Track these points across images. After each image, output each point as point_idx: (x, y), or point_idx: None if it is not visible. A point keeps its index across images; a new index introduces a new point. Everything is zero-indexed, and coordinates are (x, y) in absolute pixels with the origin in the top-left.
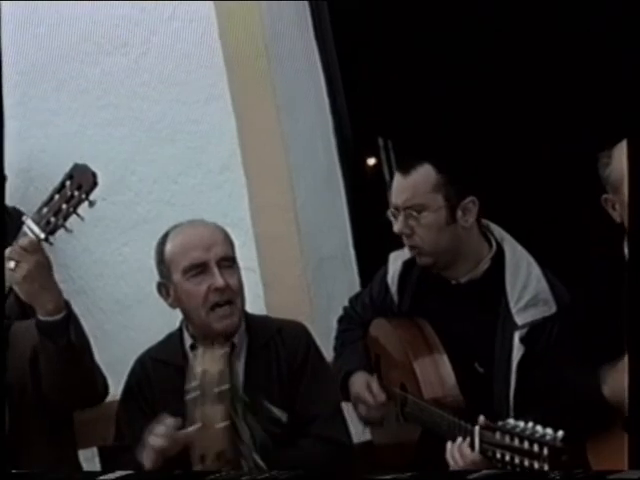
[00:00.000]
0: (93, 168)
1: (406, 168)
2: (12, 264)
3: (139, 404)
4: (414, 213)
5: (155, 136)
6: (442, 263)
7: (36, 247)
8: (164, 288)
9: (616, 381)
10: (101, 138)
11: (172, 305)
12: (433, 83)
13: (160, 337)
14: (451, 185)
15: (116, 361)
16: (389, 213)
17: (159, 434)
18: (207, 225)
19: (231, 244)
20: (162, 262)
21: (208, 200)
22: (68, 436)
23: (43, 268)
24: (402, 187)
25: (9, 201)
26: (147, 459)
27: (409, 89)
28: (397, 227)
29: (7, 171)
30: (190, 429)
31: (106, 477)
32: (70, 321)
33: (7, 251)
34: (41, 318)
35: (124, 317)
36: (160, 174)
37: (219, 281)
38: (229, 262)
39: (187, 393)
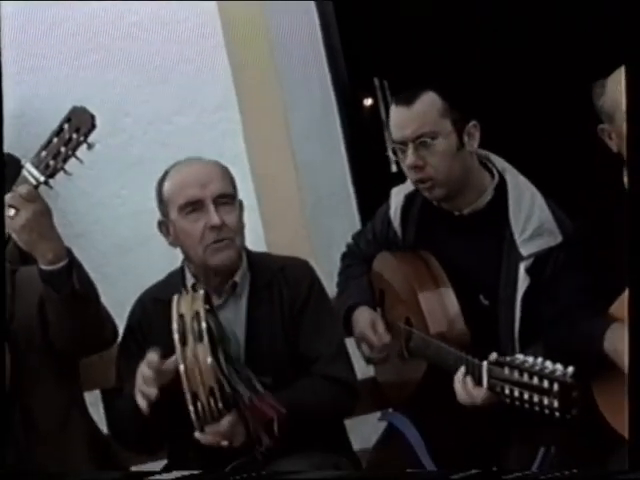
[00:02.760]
0: None
1: (409, 99)
2: (12, 212)
3: (139, 344)
4: (428, 140)
5: (147, 77)
6: (453, 193)
7: (35, 195)
8: (164, 226)
9: (617, 338)
10: (93, 81)
11: (172, 244)
12: (427, 22)
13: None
14: (456, 108)
15: (117, 304)
16: (390, 151)
17: (144, 372)
18: (205, 163)
19: (231, 181)
20: (161, 200)
21: (203, 139)
22: (75, 380)
23: (42, 216)
24: (408, 118)
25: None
26: (140, 400)
27: (403, 28)
28: (408, 160)
29: None
30: (180, 369)
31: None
32: (73, 269)
33: (7, 198)
34: (42, 267)
35: (124, 260)
36: (154, 115)
37: (214, 219)
38: (226, 199)
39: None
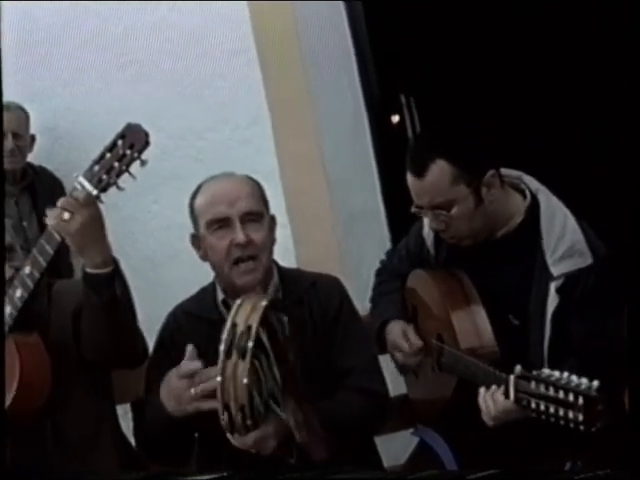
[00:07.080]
0: (118, 125)
1: (419, 171)
2: (66, 215)
3: (171, 357)
4: (443, 212)
5: (181, 92)
6: (481, 237)
7: (91, 200)
8: (196, 240)
9: None
10: (126, 95)
11: (202, 258)
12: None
13: (190, 294)
14: (468, 172)
15: (147, 318)
16: (414, 209)
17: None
18: (235, 179)
19: (260, 198)
20: (193, 215)
21: (236, 155)
22: (107, 394)
23: (96, 221)
24: (421, 190)
25: (35, 160)
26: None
27: (430, 46)
28: (431, 225)
29: (33, 130)
30: (217, 380)
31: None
32: (116, 276)
33: (60, 201)
34: (88, 271)
35: (155, 274)
36: (187, 130)
37: (240, 236)
38: (254, 217)
39: (220, 343)
